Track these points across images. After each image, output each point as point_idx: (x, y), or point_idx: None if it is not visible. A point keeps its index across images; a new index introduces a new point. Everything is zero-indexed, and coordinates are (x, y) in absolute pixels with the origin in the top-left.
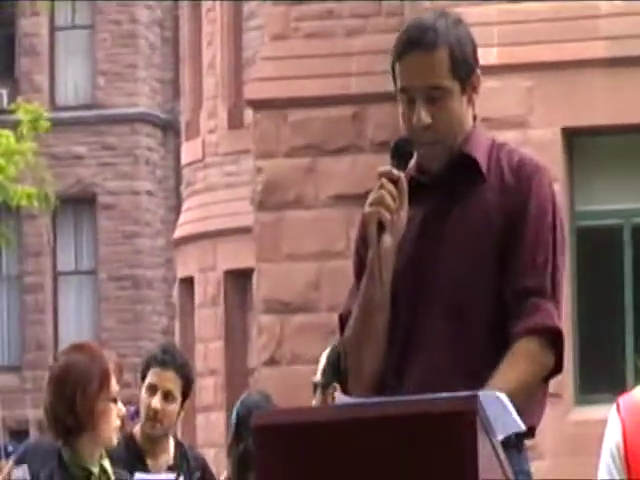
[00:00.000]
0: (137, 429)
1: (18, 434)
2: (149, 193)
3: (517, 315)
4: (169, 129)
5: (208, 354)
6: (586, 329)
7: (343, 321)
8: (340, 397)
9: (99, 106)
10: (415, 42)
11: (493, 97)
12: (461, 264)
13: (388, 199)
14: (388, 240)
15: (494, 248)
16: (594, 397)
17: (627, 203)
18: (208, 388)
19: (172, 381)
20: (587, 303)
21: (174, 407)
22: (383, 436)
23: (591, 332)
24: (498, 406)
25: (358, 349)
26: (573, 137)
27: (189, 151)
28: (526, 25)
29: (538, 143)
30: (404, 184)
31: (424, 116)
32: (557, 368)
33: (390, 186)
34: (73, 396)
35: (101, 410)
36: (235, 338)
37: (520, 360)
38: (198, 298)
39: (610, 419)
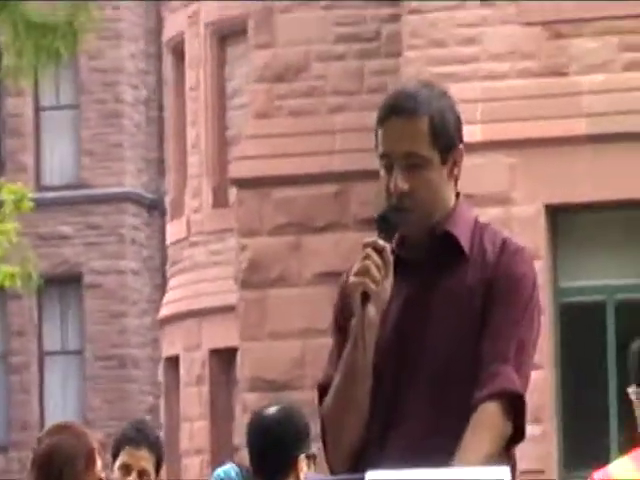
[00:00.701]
0: None
1: None
2: (135, 272)
3: (479, 382)
4: (154, 208)
5: (193, 433)
6: (570, 405)
7: (322, 390)
8: (309, 476)
9: (84, 186)
10: (396, 108)
11: (476, 174)
12: (444, 340)
13: (373, 270)
14: (372, 310)
15: (477, 324)
16: (578, 474)
17: (610, 279)
18: (194, 467)
19: (146, 459)
20: (571, 380)
21: None
22: None
23: (575, 409)
24: None
25: (338, 417)
26: (556, 213)
27: (174, 230)
28: (509, 102)
29: (521, 220)
30: (389, 255)
31: (401, 182)
32: (519, 434)
33: (375, 257)
34: (59, 476)
35: None
36: (220, 416)
37: (483, 430)
38: (183, 377)
39: None
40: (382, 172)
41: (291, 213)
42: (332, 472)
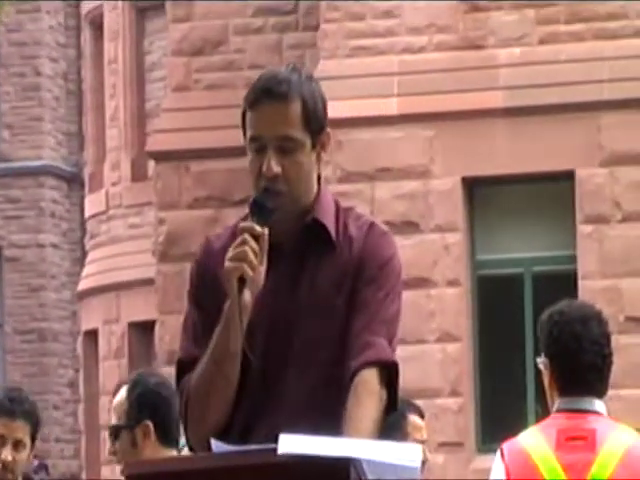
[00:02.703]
0: None
1: None
2: (54, 246)
3: (353, 352)
4: (74, 181)
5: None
6: (487, 377)
7: (183, 366)
8: (217, 445)
9: (4, 159)
10: (269, 92)
11: (394, 147)
12: (312, 323)
13: (251, 255)
14: (247, 295)
15: (344, 308)
16: (496, 445)
17: (527, 252)
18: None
19: (21, 429)
20: (488, 351)
21: (24, 454)
22: None
23: (492, 380)
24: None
25: (205, 399)
26: (473, 186)
27: (93, 203)
28: (426, 75)
29: (439, 192)
30: (265, 240)
31: (274, 165)
32: (393, 402)
33: (252, 242)
34: None
35: None
36: None
37: (365, 399)
38: (102, 350)
39: (494, 465)
40: (250, 156)
41: (209, 186)
42: (191, 449)
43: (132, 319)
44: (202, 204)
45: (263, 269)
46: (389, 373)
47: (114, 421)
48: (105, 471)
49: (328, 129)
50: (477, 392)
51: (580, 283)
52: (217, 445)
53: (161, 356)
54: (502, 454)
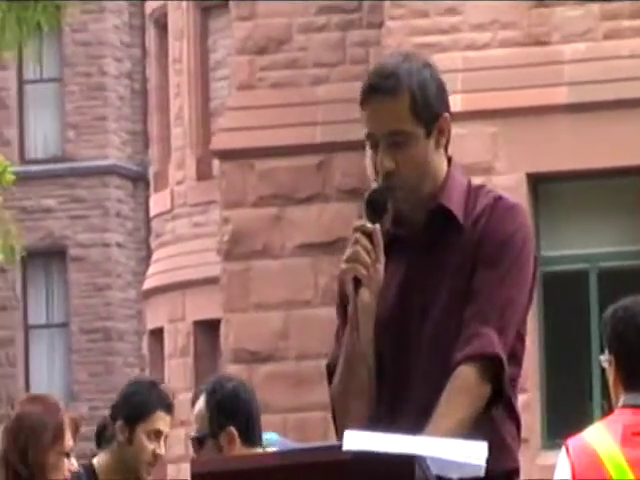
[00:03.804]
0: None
1: None
2: (119, 245)
3: (460, 343)
4: (139, 181)
5: (178, 405)
6: (553, 374)
7: (330, 370)
8: (281, 442)
9: (69, 159)
10: (376, 88)
11: (457, 144)
12: (444, 313)
13: (363, 254)
14: (366, 294)
15: (467, 292)
16: (561, 442)
17: (592, 248)
18: (179, 439)
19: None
20: (553, 348)
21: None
22: None
23: (558, 377)
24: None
25: (344, 399)
26: (538, 182)
27: (158, 202)
28: (490, 72)
29: (503, 189)
30: (379, 237)
31: (386, 161)
32: (497, 396)
33: (364, 240)
34: (26, 446)
35: (52, 463)
36: None
37: (457, 395)
38: (168, 349)
39: (559, 461)
40: (370, 152)
41: (274, 185)
42: None
43: (197, 317)
44: (267, 202)
45: (381, 266)
46: (492, 366)
47: (195, 431)
48: (171, 470)
49: (447, 114)
50: (543, 389)
51: None
52: (281, 442)
53: (226, 354)
54: (567, 450)
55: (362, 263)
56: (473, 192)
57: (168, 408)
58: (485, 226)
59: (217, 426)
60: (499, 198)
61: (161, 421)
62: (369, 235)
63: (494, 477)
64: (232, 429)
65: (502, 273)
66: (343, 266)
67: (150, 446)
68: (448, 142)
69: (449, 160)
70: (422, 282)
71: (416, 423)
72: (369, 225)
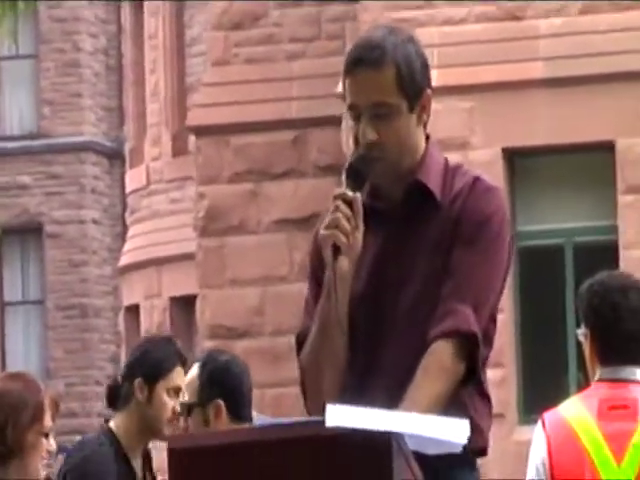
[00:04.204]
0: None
1: None
2: (95, 221)
3: (435, 319)
4: (115, 157)
5: None
6: (528, 348)
7: (300, 340)
8: (260, 419)
9: (44, 135)
10: (362, 59)
11: (433, 119)
12: (419, 287)
13: (343, 221)
14: (344, 262)
15: (443, 270)
16: (537, 417)
17: (568, 222)
18: None
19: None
20: (529, 322)
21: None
22: (302, 457)
23: (534, 351)
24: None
25: (316, 369)
26: (514, 157)
27: (133, 178)
28: (466, 47)
29: (479, 164)
30: (359, 205)
31: (369, 132)
32: (472, 373)
33: (345, 208)
34: (4, 424)
35: (31, 443)
36: None
37: (433, 370)
38: (144, 325)
39: (535, 435)
40: (351, 123)
41: (249, 160)
42: None
43: (173, 294)
44: (242, 178)
45: (359, 235)
46: (468, 343)
47: (186, 398)
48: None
49: (429, 90)
50: (519, 363)
51: (621, 253)
52: (260, 418)
53: (203, 330)
54: (543, 424)
55: (342, 230)
56: (450, 171)
57: (184, 363)
58: (463, 205)
59: (206, 397)
60: (477, 179)
61: (180, 377)
62: (349, 203)
63: (463, 456)
64: (220, 402)
65: (479, 253)
66: (322, 232)
67: (170, 403)
68: (428, 119)
69: (427, 138)
70: (398, 256)
71: (387, 397)
72: (350, 193)
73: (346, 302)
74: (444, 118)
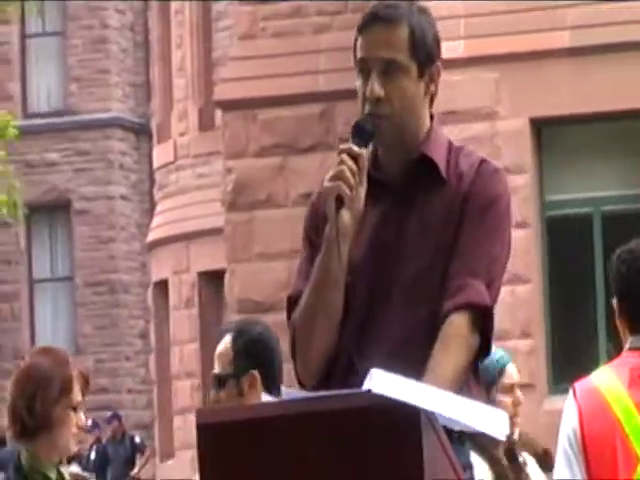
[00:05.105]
0: None
1: None
2: (123, 197)
3: (448, 293)
4: (142, 133)
5: (184, 356)
6: (558, 319)
7: (292, 303)
8: (286, 391)
9: (72, 112)
10: (378, 16)
11: (461, 89)
12: (418, 259)
13: (348, 174)
14: (347, 215)
15: (450, 244)
16: (568, 386)
17: (596, 191)
18: (185, 390)
19: None
20: (558, 292)
21: None
22: (331, 430)
23: (563, 322)
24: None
25: (309, 326)
26: (541, 127)
27: (161, 154)
28: (492, 17)
29: (507, 134)
30: (364, 162)
31: (377, 88)
32: (485, 348)
33: (350, 162)
34: (33, 397)
35: (59, 416)
36: (210, 339)
37: (451, 345)
38: (172, 300)
39: (567, 405)
40: (358, 80)
41: (276, 134)
42: (301, 386)
43: (202, 269)
44: (269, 152)
45: (363, 190)
46: (482, 317)
47: (218, 370)
48: (177, 421)
49: (439, 63)
50: (548, 333)
51: None
52: (288, 392)
53: (231, 305)
54: (574, 394)
55: (346, 183)
56: (454, 150)
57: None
58: (471, 185)
59: (240, 368)
60: (484, 160)
61: None
62: (355, 158)
63: (459, 436)
64: (255, 372)
65: (489, 231)
66: (326, 184)
67: None
68: (434, 95)
69: (432, 117)
70: (399, 228)
71: (380, 366)
72: (355, 148)
73: (346, 256)
74: (471, 89)
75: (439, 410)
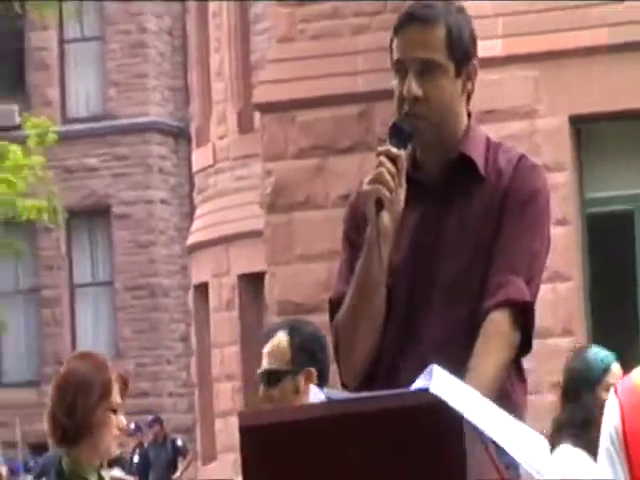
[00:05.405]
0: None
1: (37, 448)
2: (163, 201)
3: (489, 291)
4: (181, 136)
5: (224, 359)
6: (599, 316)
7: (334, 305)
8: (328, 392)
9: (110, 117)
10: (414, 16)
11: (499, 88)
12: (458, 258)
13: (387, 177)
14: (387, 218)
15: (490, 242)
16: None
17: (636, 188)
18: (226, 392)
19: None
20: (599, 290)
21: None
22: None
23: (604, 319)
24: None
25: (352, 329)
26: (580, 124)
27: (200, 157)
28: (530, 15)
29: (546, 132)
30: (403, 163)
31: (415, 87)
32: (526, 346)
33: (389, 164)
34: (73, 403)
35: (100, 420)
36: (251, 341)
37: (492, 343)
38: (213, 303)
39: (608, 402)
40: (395, 80)
41: (315, 136)
42: (344, 387)
43: (242, 271)
44: (308, 153)
45: (402, 192)
46: (523, 313)
47: (272, 366)
48: (219, 424)
49: (475, 62)
50: (589, 331)
51: None
52: (331, 393)
53: (272, 307)
54: (616, 391)
55: (386, 185)
56: (493, 147)
57: None
58: (511, 181)
59: (298, 364)
60: (522, 156)
61: None
62: (393, 160)
63: None
64: (312, 369)
65: (529, 227)
66: (366, 187)
67: None
68: (471, 93)
69: (469, 115)
70: (439, 229)
71: (420, 368)
72: (394, 150)
73: (387, 259)
74: (510, 87)
75: (488, 430)
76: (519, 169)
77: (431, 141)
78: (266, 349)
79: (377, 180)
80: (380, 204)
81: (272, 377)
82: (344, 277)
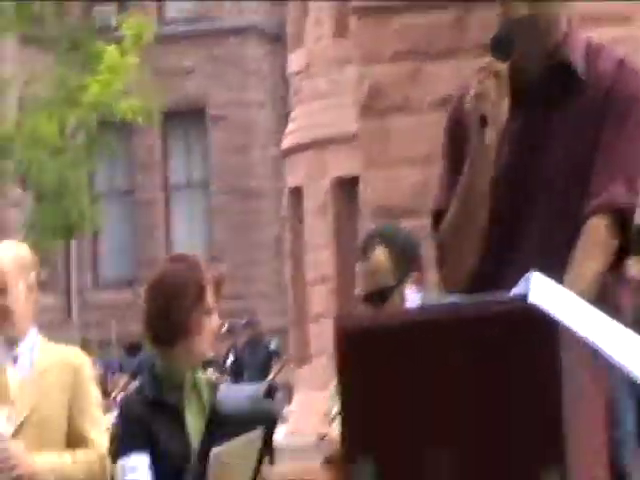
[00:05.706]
0: None
1: (132, 349)
2: (258, 104)
3: (589, 196)
4: (277, 39)
5: (318, 262)
6: None
7: (436, 216)
8: (425, 296)
9: (207, 18)
10: None
11: None
12: (560, 169)
13: (490, 92)
14: (490, 132)
15: (592, 147)
16: None
17: None
18: (320, 295)
19: None
20: None
21: None
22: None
23: None
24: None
25: (457, 241)
26: None
27: (296, 60)
28: None
29: None
30: (506, 77)
31: (521, 5)
32: (625, 249)
33: (492, 79)
34: (167, 306)
35: (195, 322)
36: (345, 245)
37: (591, 248)
38: (307, 206)
39: None
40: None
41: (411, 40)
42: (448, 292)
43: (336, 175)
44: (404, 57)
45: (505, 106)
46: (622, 218)
47: (374, 286)
48: (312, 326)
49: None
50: None
51: None
52: (428, 297)
53: (365, 211)
54: None
55: (490, 101)
56: (593, 51)
57: None
58: (612, 85)
59: (403, 274)
60: (623, 59)
61: None
62: (496, 74)
63: None
64: (415, 273)
65: (630, 129)
66: (470, 103)
67: None
68: None
69: (568, 20)
70: (541, 136)
71: (527, 269)
72: (497, 64)
73: (491, 172)
74: None
75: (588, 335)
76: (620, 73)
77: (532, 47)
78: (365, 267)
79: (481, 96)
80: (484, 120)
81: (378, 297)
82: (445, 188)
